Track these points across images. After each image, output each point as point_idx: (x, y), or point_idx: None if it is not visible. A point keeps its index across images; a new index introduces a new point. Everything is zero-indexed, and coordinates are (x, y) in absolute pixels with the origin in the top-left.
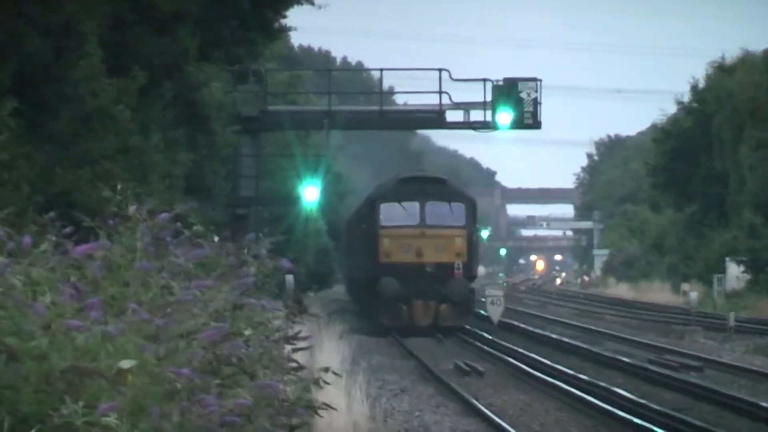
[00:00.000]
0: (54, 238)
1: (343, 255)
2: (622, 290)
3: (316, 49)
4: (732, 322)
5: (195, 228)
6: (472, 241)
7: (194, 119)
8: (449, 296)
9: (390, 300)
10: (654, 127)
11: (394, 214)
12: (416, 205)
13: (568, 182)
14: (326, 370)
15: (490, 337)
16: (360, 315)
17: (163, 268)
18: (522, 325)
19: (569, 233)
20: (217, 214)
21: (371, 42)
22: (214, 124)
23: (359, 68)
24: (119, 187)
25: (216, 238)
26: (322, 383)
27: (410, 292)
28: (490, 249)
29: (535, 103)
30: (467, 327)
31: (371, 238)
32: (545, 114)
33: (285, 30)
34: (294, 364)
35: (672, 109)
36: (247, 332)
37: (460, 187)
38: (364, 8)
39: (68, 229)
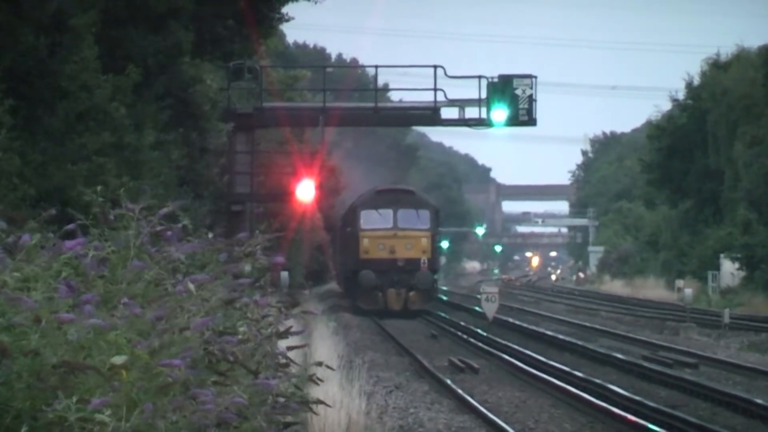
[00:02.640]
0: (45, 228)
1: (335, 252)
2: (616, 287)
3: (311, 45)
4: (727, 319)
5: (183, 223)
6: (436, 240)
7: (187, 118)
8: (416, 285)
9: (368, 288)
10: (649, 123)
11: (372, 218)
12: (390, 211)
13: (564, 179)
14: (320, 364)
15: (484, 334)
16: (350, 307)
17: (157, 263)
18: (517, 322)
19: (564, 230)
20: (211, 210)
21: (366, 39)
22: (207, 124)
23: (354, 65)
24: (109, 186)
25: (210, 235)
26: (316, 379)
27: (385, 282)
28: (486, 245)
29: (530, 99)
30: (462, 323)
31: (353, 238)
32: (540, 111)
33: (283, 20)
34: (287, 361)
35: (667, 105)
36: (241, 328)
37: (426, 197)
38: (359, 5)
39: (71, 226)
